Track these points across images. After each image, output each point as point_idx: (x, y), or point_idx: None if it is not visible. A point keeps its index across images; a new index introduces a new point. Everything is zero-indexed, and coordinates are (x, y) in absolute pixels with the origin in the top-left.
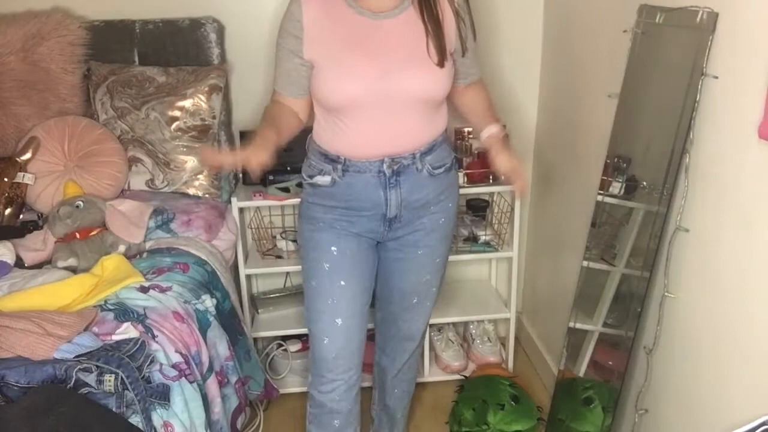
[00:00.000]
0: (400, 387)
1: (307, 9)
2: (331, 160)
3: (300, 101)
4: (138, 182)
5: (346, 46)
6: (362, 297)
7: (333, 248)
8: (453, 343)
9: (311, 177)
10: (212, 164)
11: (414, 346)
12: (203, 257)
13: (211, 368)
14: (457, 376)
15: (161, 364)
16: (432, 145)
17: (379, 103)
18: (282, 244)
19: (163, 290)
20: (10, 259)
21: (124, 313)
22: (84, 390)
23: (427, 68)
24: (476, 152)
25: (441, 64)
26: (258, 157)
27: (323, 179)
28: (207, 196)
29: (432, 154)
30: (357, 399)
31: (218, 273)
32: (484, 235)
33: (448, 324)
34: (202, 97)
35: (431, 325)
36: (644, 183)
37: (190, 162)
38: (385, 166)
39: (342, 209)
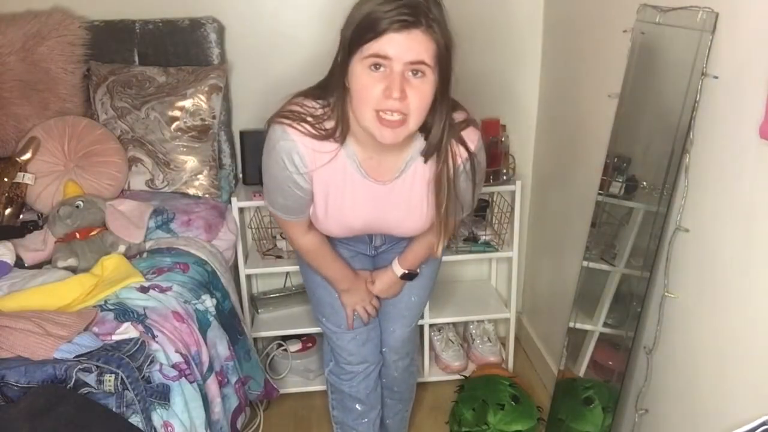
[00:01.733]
0: (391, 396)
1: (312, 162)
2: None
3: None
4: (138, 182)
5: (348, 201)
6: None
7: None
8: (453, 343)
9: None
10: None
11: (397, 355)
12: (203, 257)
13: (211, 368)
14: (457, 376)
15: (161, 364)
16: None
17: (370, 229)
18: (282, 244)
19: (163, 290)
20: (10, 259)
21: (124, 313)
22: (84, 390)
23: (421, 220)
24: None
25: (435, 217)
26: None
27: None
28: (207, 196)
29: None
30: (376, 384)
31: (218, 273)
32: (484, 235)
33: (448, 324)
34: (202, 97)
35: (431, 326)
36: (644, 183)
37: (190, 162)
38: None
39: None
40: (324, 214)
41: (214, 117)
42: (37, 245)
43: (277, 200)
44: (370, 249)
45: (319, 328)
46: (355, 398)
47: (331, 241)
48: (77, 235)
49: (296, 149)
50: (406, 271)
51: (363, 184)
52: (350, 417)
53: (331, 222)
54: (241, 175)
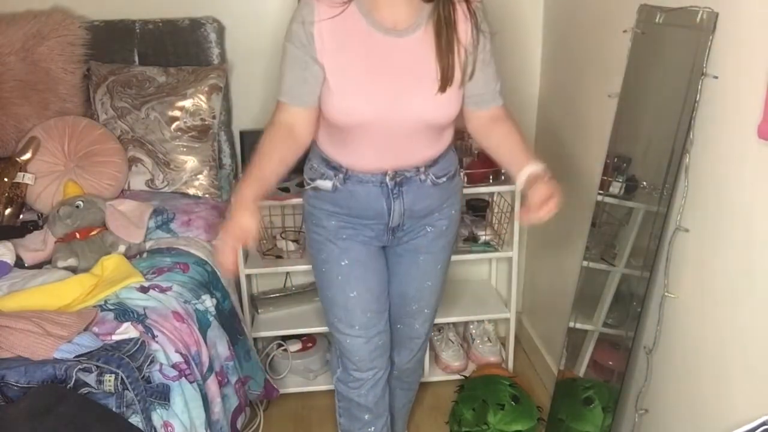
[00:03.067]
0: (400, 386)
1: (320, 13)
2: (333, 167)
3: (309, 112)
4: (138, 182)
5: (358, 67)
6: (377, 303)
7: (343, 262)
8: (453, 343)
9: (312, 180)
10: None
11: (417, 346)
12: (203, 257)
13: (211, 368)
14: (457, 376)
15: (161, 364)
16: (437, 157)
17: (385, 126)
18: (282, 244)
19: (163, 290)
20: (10, 259)
21: (124, 313)
22: (84, 390)
23: (431, 94)
24: (476, 152)
25: (443, 89)
26: (246, 235)
27: (324, 184)
28: (207, 196)
29: (437, 165)
30: (384, 392)
31: (218, 273)
32: (484, 235)
33: (448, 324)
34: (202, 97)
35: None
36: (644, 183)
37: (190, 162)
38: (387, 178)
39: (344, 215)
40: (337, 84)
41: (214, 117)
42: (37, 245)
43: (285, 77)
44: (387, 233)
45: (319, 328)
46: (364, 407)
47: (348, 235)
48: (77, 235)
49: (309, 3)
50: (537, 163)
51: (374, 40)
52: (357, 425)
53: (343, 100)
54: (241, 175)
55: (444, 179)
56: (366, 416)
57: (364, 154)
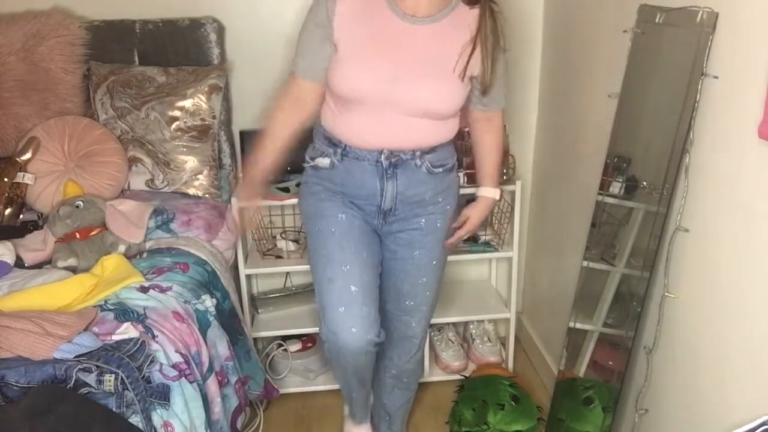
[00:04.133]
0: (399, 386)
1: None
2: (333, 144)
3: (318, 87)
4: (138, 182)
5: (369, 42)
6: (374, 269)
7: (340, 215)
8: (453, 343)
9: (313, 159)
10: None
11: (413, 346)
12: (203, 257)
13: (211, 368)
14: (457, 376)
15: (161, 364)
16: (436, 146)
17: (383, 102)
18: (282, 244)
19: (163, 290)
20: (10, 259)
21: (124, 313)
22: (84, 390)
23: (441, 82)
24: None
25: (462, 77)
26: (253, 204)
27: (323, 161)
28: (207, 196)
29: (433, 153)
30: (372, 361)
31: (218, 273)
32: (484, 235)
33: (448, 324)
34: (202, 97)
35: (431, 325)
36: (644, 183)
37: (190, 162)
38: (383, 157)
39: (340, 194)
40: (346, 55)
41: (214, 117)
42: (37, 245)
43: (301, 52)
44: (379, 215)
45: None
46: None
47: (344, 202)
48: (77, 235)
49: None
50: (497, 189)
51: (391, 23)
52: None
53: (348, 70)
54: (241, 175)
55: (440, 170)
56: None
57: (363, 127)
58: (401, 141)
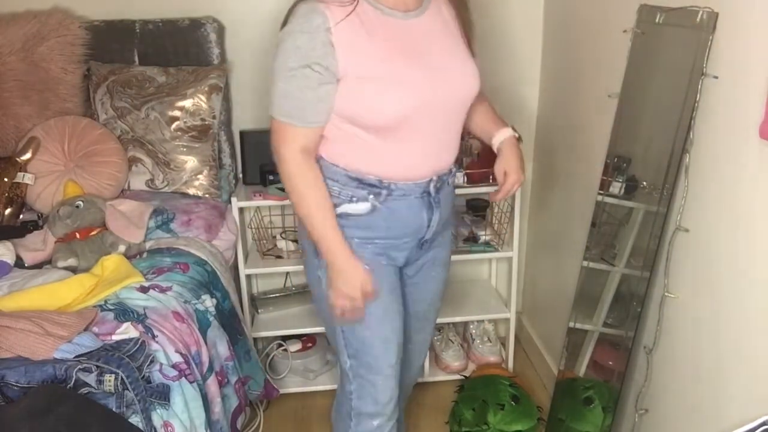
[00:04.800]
0: (408, 392)
1: (332, 15)
2: (369, 185)
3: (321, 129)
4: (138, 182)
5: (390, 53)
6: (402, 330)
7: (383, 293)
8: (453, 343)
9: (336, 206)
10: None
11: (422, 359)
12: (203, 257)
13: (211, 368)
14: (457, 376)
15: (161, 364)
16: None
17: (430, 111)
18: (282, 244)
19: (163, 290)
20: (10, 259)
21: (124, 313)
22: (84, 390)
23: (466, 61)
24: (476, 152)
25: (474, 54)
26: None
27: (358, 207)
28: (207, 196)
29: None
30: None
31: (218, 273)
32: (484, 235)
33: (448, 324)
34: (202, 97)
35: None
36: (644, 183)
37: (190, 162)
38: (431, 185)
39: (380, 239)
40: (374, 81)
41: (214, 117)
42: (37, 245)
43: (291, 99)
44: (416, 249)
45: (318, 328)
46: None
47: (385, 261)
48: (77, 235)
49: (318, 9)
50: (508, 128)
51: (395, 25)
52: None
53: (387, 94)
54: (241, 175)
55: (454, 180)
56: None
57: (411, 159)
58: (446, 157)
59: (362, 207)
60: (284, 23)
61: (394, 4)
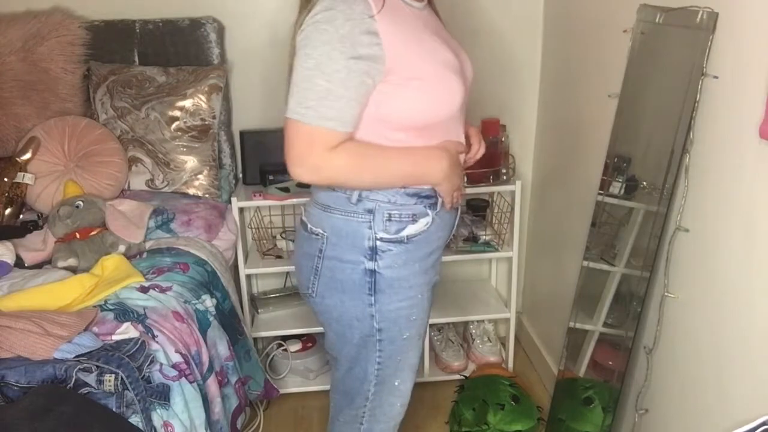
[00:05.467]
0: None
1: (374, 2)
2: (425, 197)
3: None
4: (138, 182)
5: (431, 42)
6: None
7: (425, 315)
8: (453, 343)
9: (399, 231)
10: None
11: None
12: (203, 257)
13: (211, 368)
14: (457, 376)
15: (161, 364)
16: None
17: (464, 102)
18: (282, 244)
19: (163, 290)
20: (10, 259)
21: (124, 313)
22: (84, 390)
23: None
24: None
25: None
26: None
27: (419, 226)
28: (207, 196)
29: None
30: None
31: (218, 273)
32: (484, 235)
33: (448, 324)
34: (202, 97)
35: (431, 325)
36: (644, 183)
37: (190, 162)
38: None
39: (434, 253)
40: (430, 72)
41: (214, 117)
42: (37, 245)
43: (336, 98)
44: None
45: (318, 328)
46: None
47: (431, 278)
48: (77, 235)
49: None
50: None
51: (420, 15)
52: None
53: (447, 84)
54: (241, 175)
55: None
56: None
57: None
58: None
59: (423, 223)
60: (305, 12)
61: None
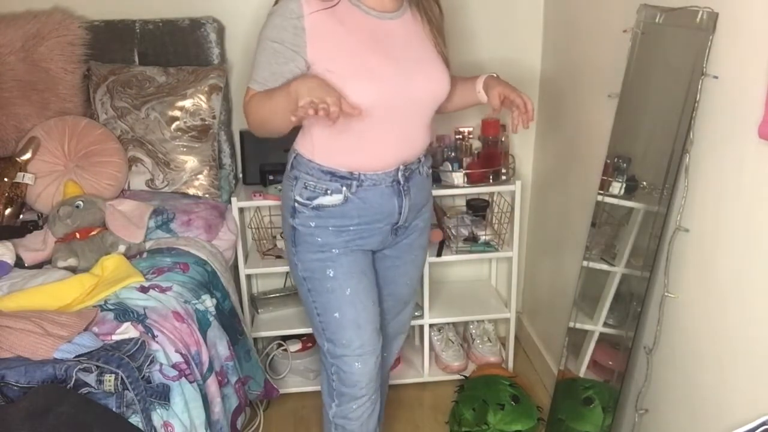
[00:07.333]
0: (385, 380)
1: (308, 5)
2: (341, 177)
3: None
4: (138, 182)
5: (362, 44)
6: (378, 317)
7: (353, 276)
8: (453, 343)
9: (312, 199)
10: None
11: (403, 338)
12: (203, 257)
13: (211, 368)
14: (457, 376)
15: (161, 364)
16: (426, 147)
17: (397, 107)
18: (282, 244)
19: (163, 290)
20: (10, 259)
21: (124, 313)
22: (84, 390)
23: (436, 68)
24: (476, 152)
25: (447, 62)
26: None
27: (332, 199)
28: (207, 196)
29: (426, 155)
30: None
31: (218, 273)
32: (484, 235)
33: (448, 324)
34: (202, 97)
35: (431, 326)
36: (644, 183)
37: (190, 162)
38: (399, 174)
39: (354, 226)
40: (348, 71)
41: (214, 117)
42: (37, 245)
43: (260, 69)
44: (391, 233)
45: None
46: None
47: (357, 245)
48: (77, 235)
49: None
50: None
51: (373, 24)
52: None
53: (359, 84)
54: (241, 175)
55: (430, 170)
56: None
57: (380, 148)
58: (414, 148)
59: (336, 198)
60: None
61: (372, 4)
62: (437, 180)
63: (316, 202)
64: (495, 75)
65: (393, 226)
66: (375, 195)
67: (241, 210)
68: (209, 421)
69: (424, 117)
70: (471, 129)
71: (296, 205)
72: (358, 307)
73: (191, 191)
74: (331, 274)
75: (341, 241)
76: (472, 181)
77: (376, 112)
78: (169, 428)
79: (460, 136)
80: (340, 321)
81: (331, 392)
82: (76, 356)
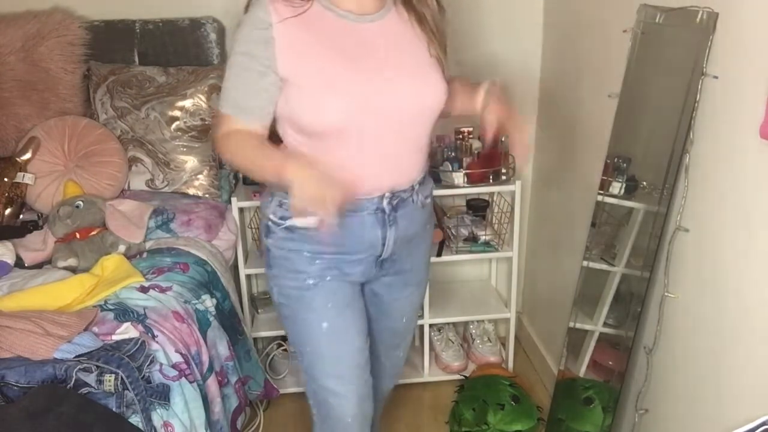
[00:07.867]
0: (381, 403)
1: (276, 12)
2: None
3: (264, 132)
4: (138, 182)
5: (331, 54)
6: (365, 352)
7: (329, 305)
8: (453, 343)
9: (284, 219)
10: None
11: (399, 371)
12: (203, 257)
13: (211, 368)
14: (457, 376)
15: (161, 364)
16: (424, 172)
17: (374, 125)
18: None
19: (163, 290)
20: (10, 259)
21: (124, 313)
22: (84, 390)
23: (427, 75)
24: (476, 152)
25: (443, 66)
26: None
27: (305, 221)
28: (207, 196)
29: (424, 183)
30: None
31: (218, 273)
32: (484, 235)
33: (448, 324)
34: (202, 97)
35: (431, 326)
36: (644, 183)
37: (190, 162)
38: (385, 201)
39: (329, 254)
40: (318, 86)
41: (213, 117)
42: (37, 245)
43: (229, 88)
44: (375, 266)
45: None
46: None
47: (333, 275)
48: (77, 235)
49: (263, 3)
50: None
51: (348, 29)
52: None
53: (332, 101)
54: (241, 175)
55: (428, 200)
56: None
57: (363, 168)
58: (405, 174)
59: (310, 220)
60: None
61: (348, 6)
62: (437, 180)
63: (289, 222)
64: (496, 81)
65: (377, 258)
66: (356, 222)
67: (241, 210)
68: (209, 421)
69: (413, 136)
70: (471, 129)
71: (270, 224)
72: (335, 343)
73: (191, 191)
74: (305, 305)
75: (317, 269)
76: (472, 181)
77: (347, 132)
78: (169, 428)
79: (460, 136)
80: (318, 353)
81: (318, 425)
82: (76, 356)
